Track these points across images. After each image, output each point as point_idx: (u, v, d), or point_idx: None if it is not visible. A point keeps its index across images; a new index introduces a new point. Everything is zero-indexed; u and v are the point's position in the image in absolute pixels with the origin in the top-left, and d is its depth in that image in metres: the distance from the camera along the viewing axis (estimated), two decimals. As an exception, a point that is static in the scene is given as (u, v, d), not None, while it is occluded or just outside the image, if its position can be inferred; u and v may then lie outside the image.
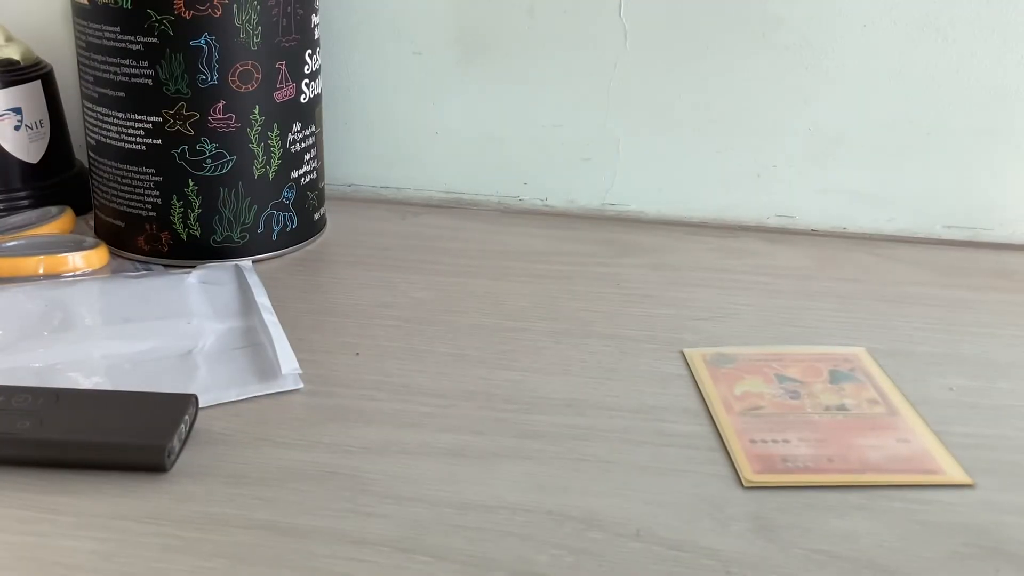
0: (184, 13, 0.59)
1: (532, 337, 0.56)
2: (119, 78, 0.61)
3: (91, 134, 0.65)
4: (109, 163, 0.64)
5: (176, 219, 0.64)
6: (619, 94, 0.72)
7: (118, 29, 0.60)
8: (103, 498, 0.43)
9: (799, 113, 0.70)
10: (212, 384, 0.51)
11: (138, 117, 0.62)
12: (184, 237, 0.64)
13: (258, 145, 0.63)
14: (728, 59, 0.70)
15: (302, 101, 0.65)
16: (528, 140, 0.74)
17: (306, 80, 0.65)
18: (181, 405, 0.46)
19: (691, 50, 0.70)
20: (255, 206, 0.64)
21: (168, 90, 0.61)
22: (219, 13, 0.60)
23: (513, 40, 0.72)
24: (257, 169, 0.64)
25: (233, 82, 0.61)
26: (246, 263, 0.63)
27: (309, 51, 0.65)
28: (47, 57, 0.74)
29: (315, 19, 0.65)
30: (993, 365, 0.54)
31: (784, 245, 0.70)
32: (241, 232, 0.64)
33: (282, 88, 0.63)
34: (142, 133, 0.62)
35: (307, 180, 0.67)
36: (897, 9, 0.67)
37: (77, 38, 0.63)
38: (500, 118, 0.74)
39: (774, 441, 0.47)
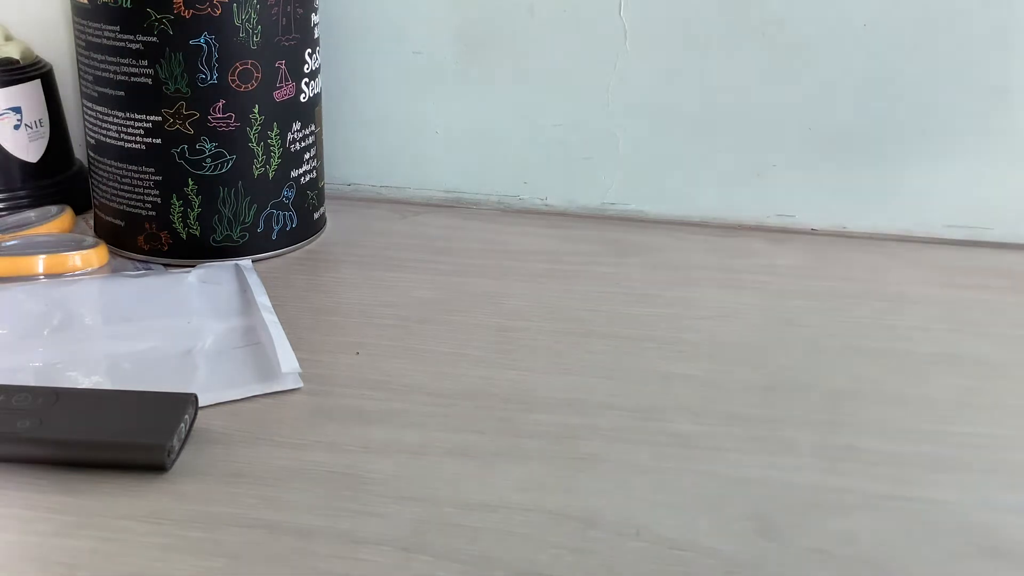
0: (184, 12, 0.59)
1: (532, 337, 0.56)
2: (119, 77, 0.61)
3: (91, 133, 0.65)
4: (109, 162, 0.64)
5: (176, 218, 0.63)
6: (619, 94, 0.72)
7: (118, 28, 0.60)
8: (103, 497, 0.42)
9: (799, 113, 0.70)
10: (212, 384, 0.51)
11: (138, 116, 0.62)
12: (184, 236, 0.64)
13: (258, 144, 0.63)
14: (728, 59, 0.70)
15: (302, 100, 0.65)
16: (528, 140, 0.74)
17: (306, 79, 0.65)
18: (181, 404, 0.46)
19: (691, 50, 0.70)
20: (255, 205, 0.64)
21: (168, 89, 0.61)
22: (219, 12, 0.60)
23: (513, 40, 0.72)
24: (257, 168, 0.64)
25: (233, 81, 0.61)
26: (246, 262, 0.63)
27: (309, 50, 0.65)
28: (47, 56, 0.74)
29: (315, 18, 0.65)
30: (993, 365, 0.54)
31: (784, 245, 0.70)
32: (241, 231, 0.64)
33: (282, 87, 0.63)
34: (142, 132, 0.62)
35: (307, 179, 0.67)
36: (897, 9, 0.67)
37: (77, 37, 0.63)
38: (500, 118, 0.74)
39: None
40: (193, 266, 0.62)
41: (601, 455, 0.46)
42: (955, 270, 0.66)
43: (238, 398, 0.50)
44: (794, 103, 0.70)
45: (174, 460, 0.45)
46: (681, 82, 0.71)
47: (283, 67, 0.63)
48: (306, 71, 0.65)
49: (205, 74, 0.61)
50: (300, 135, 0.66)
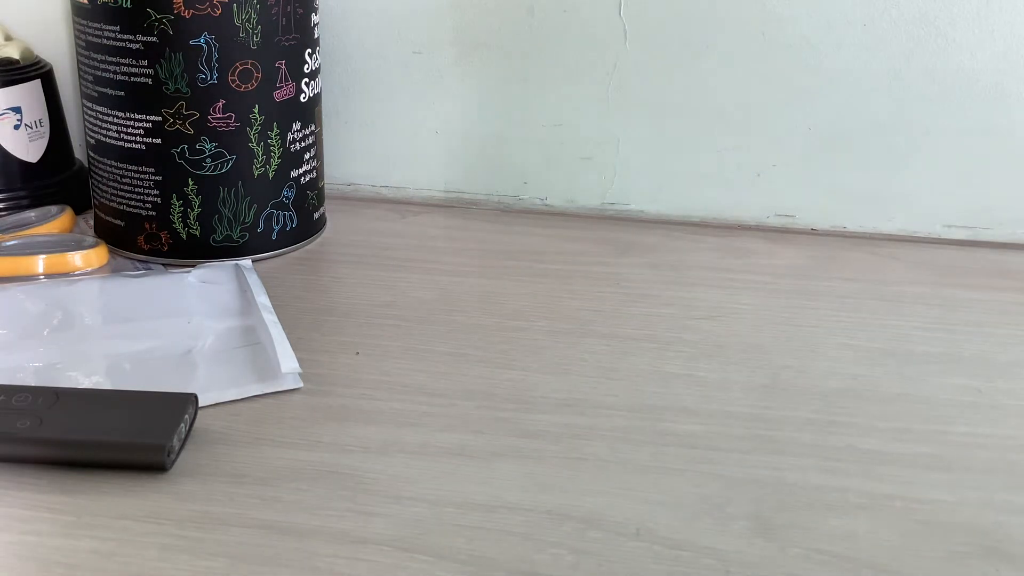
0: (184, 12, 0.59)
1: (532, 337, 0.56)
2: (119, 77, 0.61)
3: (91, 133, 0.65)
4: (109, 162, 0.64)
5: (176, 218, 0.63)
6: (619, 94, 0.72)
7: (118, 28, 0.60)
8: (103, 497, 0.42)
9: (799, 113, 0.70)
10: (212, 383, 0.51)
11: (138, 116, 0.62)
12: (184, 236, 0.64)
13: (258, 144, 0.63)
14: (728, 58, 0.70)
15: (302, 100, 0.65)
16: (528, 140, 0.74)
17: (306, 79, 0.65)
18: (181, 404, 0.46)
19: (691, 49, 0.70)
20: (255, 205, 0.64)
21: (168, 89, 0.61)
22: (219, 12, 0.60)
23: (513, 40, 0.72)
24: (257, 168, 0.64)
25: (233, 81, 0.61)
26: (246, 262, 0.63)
27: (309, 50, 0.65)
28: (47, 56, 0.74)
29: (315, 18, 0.65)
30: (993, 365, 0.54)
31: (784, 245, 0.70)
32: (241, 231, 0.64)
33: (282, 87, 0.63)
34: (142, 132, 0.62)
35: (307, 179, 0.67)
36: (897, 8, 0.67)
37: (76, 37, 0.63)
38: (500, 118, 0.74)
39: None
40: (193, 266, 0.62)
41: (601, 455, 0.46)
42: (955, 270, 0.66)
43: (238, 398, 0.50)
44: (794, 103, 0.70)
45: (174, 460, 0.45)
46: (681, 82, 0.71)
47: (283, 67, 0.63)
48: (306, 71, 0.65)
49: (205, 74, 0.61)
50: (300, 135, 0.66)
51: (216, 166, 0.63)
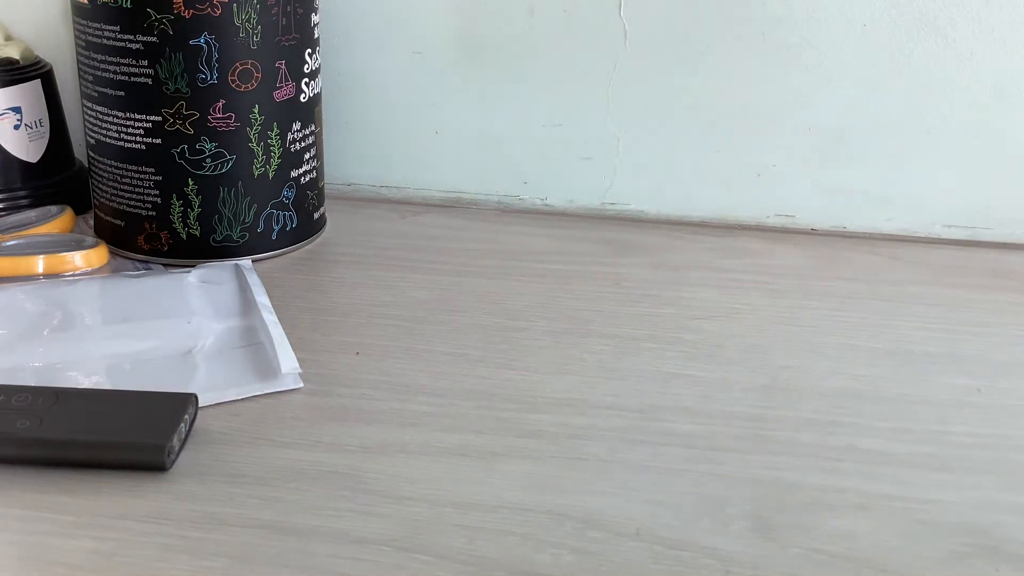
0: (184, 12, 0.59)
1: (532, 337, 0.56)
2: (119, 77, 0.61)
3: (91, 133, 0.65)
4: (109, 162, 0.64)
5: (176, 218, 0.63)
6: (619, 94, 0.72)
7: (118, 28, 0.60)
8: (103, 497, 0.42)
9: (799, 113, 0.70)
10: (212, 383, 0.51)
11: (138, 116, 0.62)
12: (184, 236, 0.64)
13: (258, 144, 0.63)
14: (728, 58, 0.70)
15: (302, 100, 0.65)
16: (528, 140, 0.74)
17: (306, 79, 0.65)
18: (181, 404, 0.46)
19: (691, 49, 0.70)
20: (255, 205, 0.64)
21: (168, 89, 0.61)
22: (219, 12, 0.60)
23: (513, 40, 0.72)
24: (257, 168, 0.64)
25: (233, 81, 0.61)
26: (246, 262, 0.63)
27: (309, 50, 0.65)
28: (47, 56, 0.74)
29: (315, 18, 0.65)
30: (993, 365, 0.54)
31: (784, 244, 0.70)
32: (241, 231, 0.64)
33: (282, 87, 0.63)
34: (142, 132, 0.62)
35: (307, 179, 0.67)
36: (897, 9, 0.67)
37: (77, 37, 0.63)
38: (500, 118, 0.74)
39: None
40: (193, 266, 0.62)
41: (601, 455, 0.46)
42: (955, 270, 0.66)
43: (238, 398, 0.50)
44: (794, 103, 0.70)
45: (174, 460, 0.45)
46: (681, 82, 0.71)
47: (283, 67, 0.63)
48: (306, 71, 0.65)
49: (205, 74, 0.61)
50: (300, 135, 0.66)
51: (216, 166, 0.63)
